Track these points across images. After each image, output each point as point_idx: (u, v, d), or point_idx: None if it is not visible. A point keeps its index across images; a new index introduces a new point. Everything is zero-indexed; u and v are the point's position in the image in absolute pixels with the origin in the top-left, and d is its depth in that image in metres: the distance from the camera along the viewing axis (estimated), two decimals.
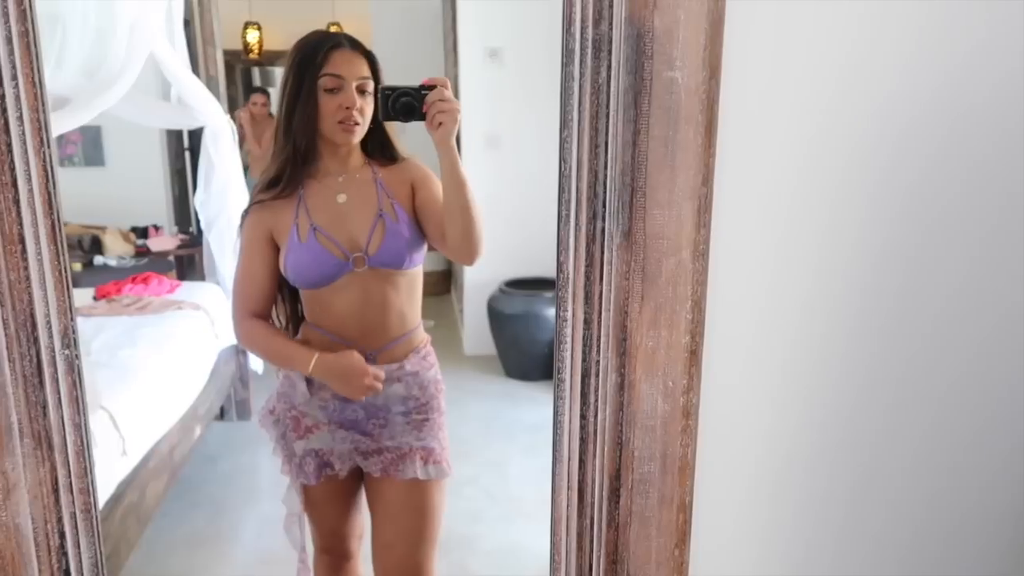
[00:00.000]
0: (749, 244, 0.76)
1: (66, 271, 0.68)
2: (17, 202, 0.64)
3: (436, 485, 1.47)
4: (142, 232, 3.87)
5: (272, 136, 1.44)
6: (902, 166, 0.76)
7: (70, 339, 0.69)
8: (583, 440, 0.77)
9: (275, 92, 5.70)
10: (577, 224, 0.72)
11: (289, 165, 1.38)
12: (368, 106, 1.38)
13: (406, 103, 1.30)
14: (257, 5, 5.67)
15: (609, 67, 0.68)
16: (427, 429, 1.45)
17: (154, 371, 2.37)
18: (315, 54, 1.36)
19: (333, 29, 5.64)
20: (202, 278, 3.48)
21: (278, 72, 6.51)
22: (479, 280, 4.10)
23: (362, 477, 1.52)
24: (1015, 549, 0.86)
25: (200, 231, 3.38)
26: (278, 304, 1.49)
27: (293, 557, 1.69)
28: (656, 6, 0.67)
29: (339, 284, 1.39)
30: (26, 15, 0.62)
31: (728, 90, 0.71)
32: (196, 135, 3.75)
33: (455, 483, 2.83)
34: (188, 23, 3.07)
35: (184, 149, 5.10)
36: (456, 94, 4.28)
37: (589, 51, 0.68)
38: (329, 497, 1.52)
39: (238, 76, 6.06)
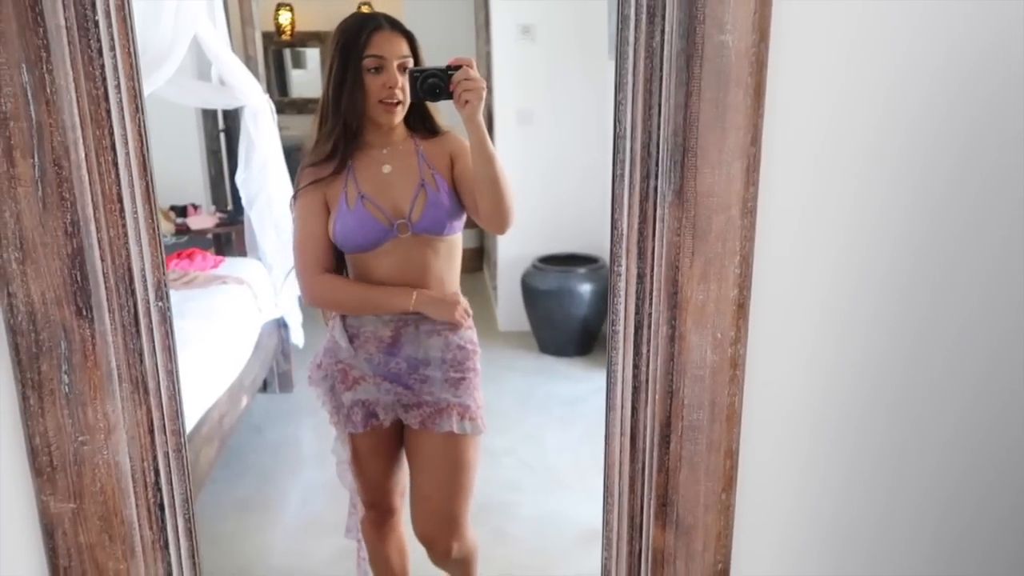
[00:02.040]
0: (795, 201, 0.79)
1: (157, 229, 0.74)
2: (116, 164, 0.70)
3: (471, 440, 1.57)
4: (181, 211, 3.97)
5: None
6: (953, 126, 0.79)
7: (162, 292, 0.75)
8: (635, 389, 0.81)
9: (302, 73, 5.74)
10: (631, 183, 0.76)
11: (340, 141, 1.46)
12: (406, 83, 1.44)
13: (433, 84, 1.38)
14: None
15: (663, 31, 0.71)
16: (463, 387, 1.55)
17: (203, 342, 2.45)
18: (358, 36, 1.43)
19: (365, 9, 5.68)
20: (241, 254, 3.57)
21: (310, 53, 6.56)
22: (512, 256, 4.14)
23: (403, 431, 1.61)
24: None
25: (237, 209, 3.46)
26: (330, 265, 1.56)
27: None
28: None
29: (384, 249, 1.48)
30: None
31: (777, 53, 0.74)
32: (231, 116, 3.81)
33: (494, 453, 2.91)
34: (225, 4, 3.13)
35: (219, 130, 5.20)
36: (488, 71, 4.30)
37: (644, 16, 0.71)
38: (374, 446, 1.61)
39: (270, 58, 6.12)
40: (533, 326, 4.06)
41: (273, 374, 3.37)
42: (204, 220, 3.90)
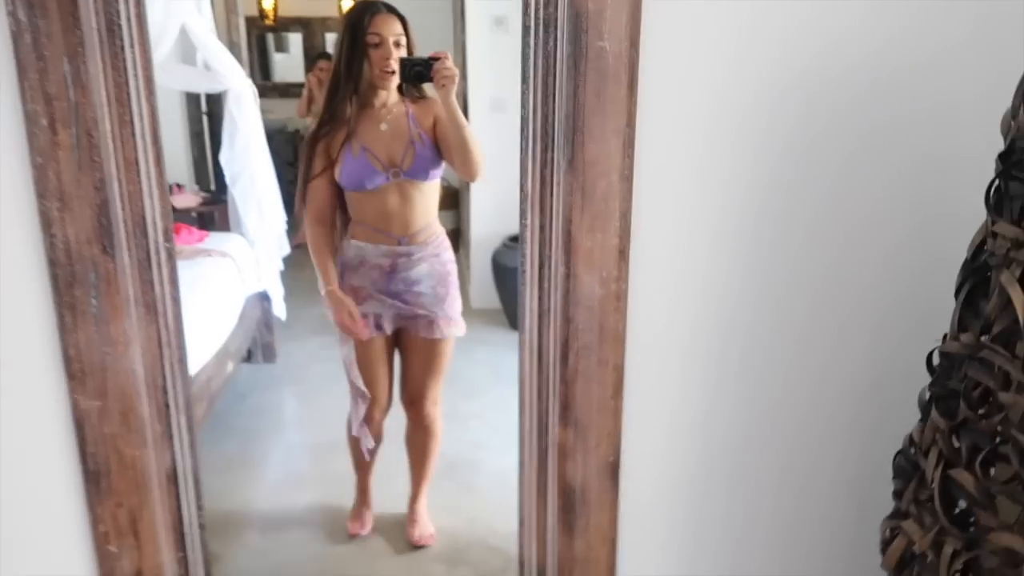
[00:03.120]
0: (663, 167, 1.02)
1: (165, 186, 0.95)
2: (134, 135, 0.91)
3: (451, 340, 2.11)
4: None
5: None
6: (782, 107, 1.02)
7: (169, 236, 0.97)
8: (540, 316, 1.04)
9: (284, 57, 5.86)
10: (534, 154, 0.98)
11: (346, 103, 1.87)
12: (399, 57, 1.83)
13: (418, 71, 1.76)
14: None
15: (555, 39, 0.93)
16: (448, 301, 2.04)
17: (189, 310, 2.64)
18: (362, 18, 1.83)
19: None
20: (226, 229, 3.74)
21: (293, 38, 6.67)
22: (484, 235, 4.34)
23: (399, 336, 2.10)
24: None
25: (220, 189, 3.63)
26: (335, 209, 2.00)
27: (317, 477, 2.43)
28: None
29: (380, 188, 1.89)
30: (140, 1, 0.88)
31: (645, 54, 0.96)
32: (213, 99, 3.96)
33: (463, 417, 3.14)
34: None
35: (202, 113, 5.36)
36: (463, 60, 4.47)
37: (540, 27, 0.93)
38: (376, 349, 2.08)
39: (253, 42, 6.24)
40: (503, 303, 4.26)
41: (257, 344, 3.57)
42: (188, 199, 4.06)
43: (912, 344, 1.00)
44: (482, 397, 3.37)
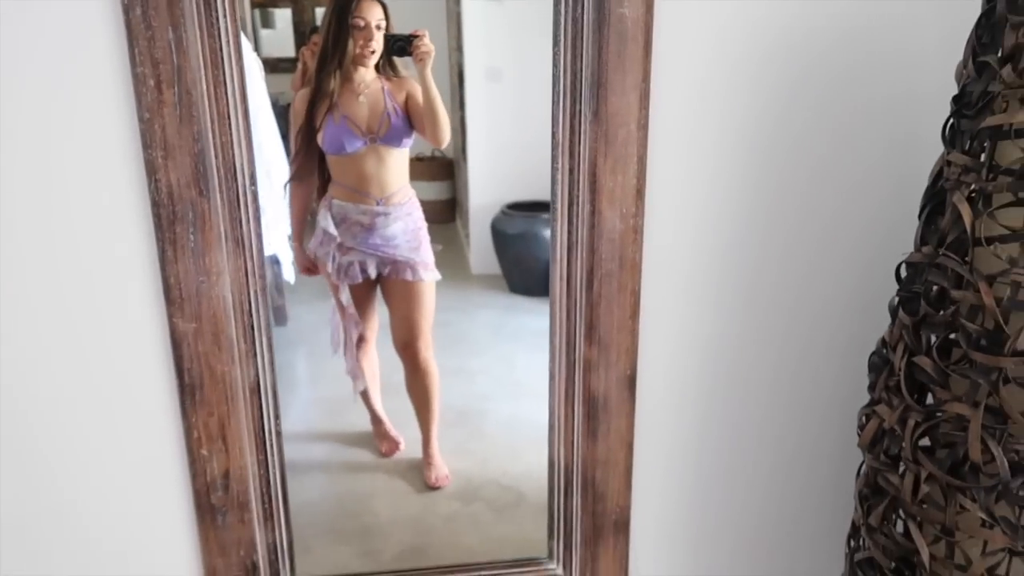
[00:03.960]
0: (675, 118, 1.19)
1: (251, 137, 1.11)
2: (226, 94, 1.07)
3: (429, 284, 2.31)
4: None
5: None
6: (779, 61, 1.19)
7: (254, 179, 1.13)
8: (569, 247, 1.21)
9: (270, 33, 5.94)
10: (564, 107, 1.15)
11: (331, 77, 2.08)
12: (381, 40, 2.06)
13: (400, 46, 2.02)
14: None
15: (583, 6, 1.09)
16: (422, 249, 2.27)
17: None
18: (348, 3, 2.04)
19: None
20: None
21: (280, 13, 6.76)
22: (482, 204, 4.49)
23: (383, 285, 2.32)
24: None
25: None
26: (316, 170, 2.21)
27: (330, 431, 2.49)
28: None
29: (360, 154, 2.12)
30: None
31: (659, 19, 1.12)
32: None
33: (470, 372, 3.31)
34: None
35: None
36: (458, 31, 4.57)
37: None
38: (363, 291, 2.33)
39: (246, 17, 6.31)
40: (503, 268, 4.42)
41: (268, 308, 3.73)
42: None
43: (891, 265, 1.18)
44: (486, 355, 3.55)
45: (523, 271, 4.55)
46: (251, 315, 1.17)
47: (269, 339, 1.21)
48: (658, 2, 1.11)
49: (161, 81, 1.04)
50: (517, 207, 4.59)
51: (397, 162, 2.25)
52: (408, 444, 2.76)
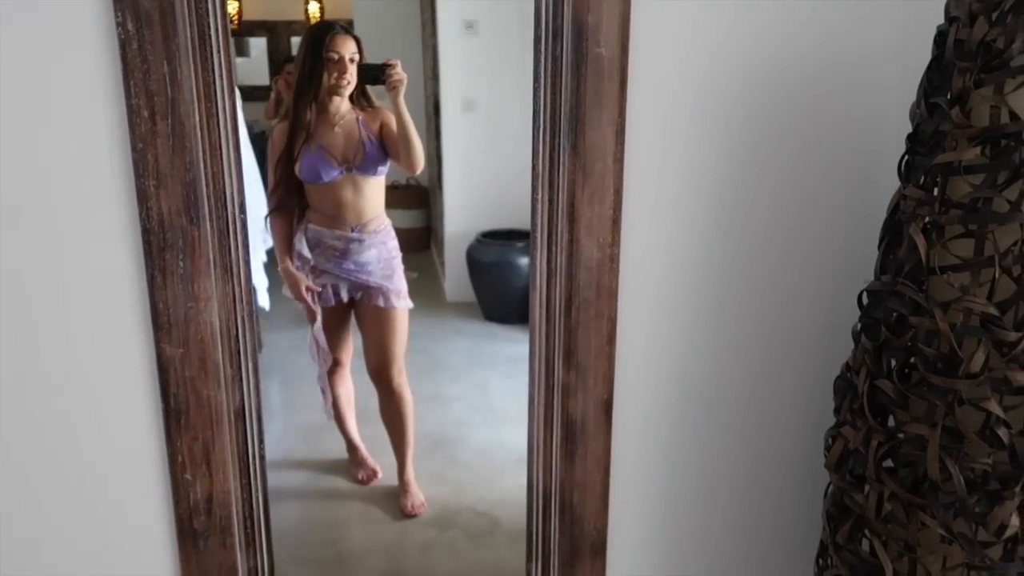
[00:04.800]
0: (650, 152, 1.25)
1: (241, 167, 1.14)
2: (218, 125, 1.10)
3: (402, 311, 2.45)
4: None
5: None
6: (746, 99, 1.25)
7: (243, 208, 1.16)
8: (548, 275, 1.25)
9: (245, 61, 5.94)
10: (543, 140, 1.20)
11: (307, 109, 2.23)
12: (354, 72, 2.22)
13: (373, 75, 2.16)
14: None
15: (562, 46, 1.15)
16: (395, 277, 2.41)
17: None
18: (323, 37, 2.19)
19: (312, 0, 5.98)
20: None
21: (255, 42, 6.77)
22: (458, 232, 4.54)
23: (354, 306, 2.46)
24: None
25: None
26: (293, 196, 2.36)
27: (305, 458, 2.80)
28: (589, 9, 1.14)
29: (334, 182, 2.27)
30: (226, 15, 1.07)
31: (634, 58, 1.19)
32: None
33: (446, 399, 3.34)
34: None
35: None
36: (434, 62, 4.64)
37: (550, 36, 1.15)
38: (337, 315, 2.48)
39: None
40: (478, 296, 4.46)
41: None
42: None
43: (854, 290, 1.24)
44: (462, 381, 3.58)
45: (498, 299, 4.60)
46: (238, 340, 1.20)
47: (255, 364, 1.24)
48: (633, 42, 1.18)
49: (155, 113, 1.07)
50: (492, 235, 4.63)
51: (372, 190, 2.36)
52: (384, 472, 2.78)
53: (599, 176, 1.21)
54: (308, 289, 2.36)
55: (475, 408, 3.36)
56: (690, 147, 1.26)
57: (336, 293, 2.41)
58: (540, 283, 1.27)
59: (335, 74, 2.21)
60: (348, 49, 2.21)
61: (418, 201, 5.48)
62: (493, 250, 4.32)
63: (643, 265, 1.30)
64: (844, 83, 1.27)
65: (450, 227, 4.60)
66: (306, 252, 2.36)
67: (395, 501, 2.66)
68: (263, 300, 3.70)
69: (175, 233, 1.12)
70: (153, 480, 1.24)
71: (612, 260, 1.25)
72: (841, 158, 1.30)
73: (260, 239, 3.68)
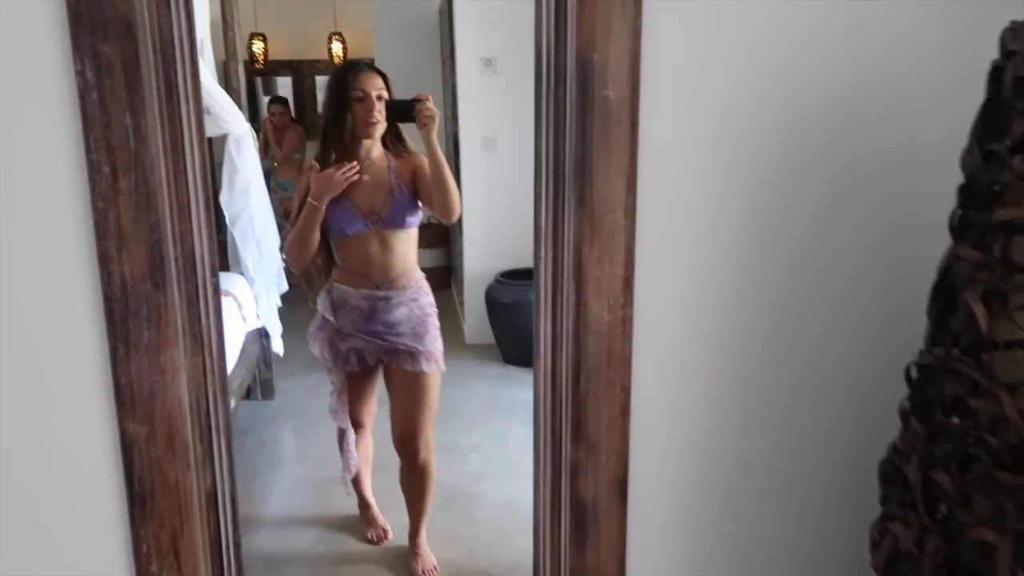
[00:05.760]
0: (665, 204, 1.13)
1: (212, 226, 1.04)
2: (187, 180, 1.00)
3: (434, 376, 2.18)
4: None
5: (292, 139, 2.06)
6: (772, 144, 1.13)
7: (215, 272, 1.06)
8: (553, 341, 1.13)
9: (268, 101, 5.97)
10: (547, 193, 1.09)
11: (335, 153, 2.02)
12: (382, 109, 1.99)
13: (402, 111, 1.94)
14: (263, 17, 5.98)
15: (565, 89, 1.04)
16: (427, 338, 2.15)
17: None
18: (346, 77, 2.00)
19: (335, 39, 5.99)
20: (224, 268, 3.81)
21: (282, 81, 6.82)
22: (477, 272, 4.44)
23: (382, 369, 2.23)
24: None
25: (219, 228, 3.69)
26: (319, 253, 2.11)
27: (317, 513, 2.60)
28: (595, 47, 1.03)
29: (361, 236, 2.05)
30: (195, 61, 0.98)
31: (647, 100, 1.07)
32: (212, 140, 4.02)
33: (461, 450, 3.20)
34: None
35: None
36: (454, 100, 4.60)
37: (552, 78, 1.04)
38: (362, 380, 2.24)
39: (243, 85, 6.35)
40: (497, 337, 4.34)
41: (256, 382, 3.62)
42: None
43: (895, 360, 1.10)
44: (479, 430, 3.44)
45: (517, 340, 4.46)
46: (209, 416, 1.08)
47: (228, 442, 1.12)
48: (645, 83, 1.06)
49: (117, 168, 0.98)
50: (511, 275, 4.52)
51: (402, 244, 2.11)
52: (395, 530, 2.63)
53: (609, 231, 1.09)
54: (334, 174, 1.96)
55: (492, 460, 3.21)
56: (709, 197, 1.14)
57: (362, 358, 2.18)
58: (544, 351, 1.14)
59: (361, 113, 1.99)
60: (374, 86, 2.00)
61: (439, 240, 5.41)
62: (512, 290, 4.23)
63: (659, 329, 1.17)
64: (879, 123, 1.14)
65: (470, 267, 4.51)
66: (330, 315, 2.13)
67: (406, 563, 2.51)
68: (277, 346, 3.63)
69: (139, 299, 1.02)
70: (117, 574, 1.12)
71: (624, 323, 1.12)
72: (879, 210, 1.17)
73: (274, 283, 3.62)
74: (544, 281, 1.12)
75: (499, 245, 4.26)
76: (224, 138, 3.38)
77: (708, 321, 1.18)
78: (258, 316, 3.47)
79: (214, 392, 1.08)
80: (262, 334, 3.56)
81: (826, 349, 1.21)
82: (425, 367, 2.14)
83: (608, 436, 1.16)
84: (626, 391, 1.15)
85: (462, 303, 4.66)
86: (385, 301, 2.09)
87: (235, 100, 3.50)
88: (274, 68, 6.40)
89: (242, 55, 3.68)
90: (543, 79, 1.06)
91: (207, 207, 1.03)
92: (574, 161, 1.06)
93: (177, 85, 0.97)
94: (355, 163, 2.00)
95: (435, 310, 2.19)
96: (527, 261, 4.86)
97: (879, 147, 1.15)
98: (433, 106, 1.90)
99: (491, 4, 4.16)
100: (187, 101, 0.99)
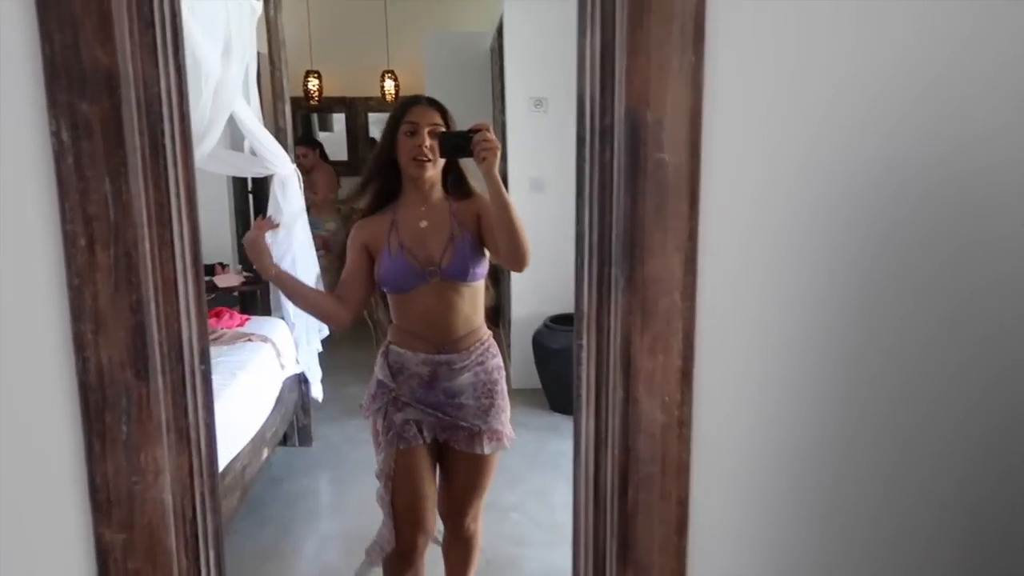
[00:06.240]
0: (730, 285, 0.95)
1: (204, 305, 0.90)
2: (173, 255, 0.87)
3: (496, 456, 1.93)
4: (209, 269, 4.14)
5: (323, 180, 1.88)
6: (856, 217, 0.94)
7: (205, 358, 0.92)
8: (597, 445, 0.95)
9: (329, 135, 5.96)
10: (590, 271, 0.92)
11: (380, 196, 1.82)
12: (435, 145, 1.74)
13: (457, 144, 1.66)
14: (317, 55, 6.02)
15: (612, 151, 0.88)
16: (493, 413, 1.86)
17: (228, 397, 2.61)
18: (401, 109, 1.78)
19: (388, 77, 5.98)
20: (265, 312, 3.75)
21: (336, 118, 6.85)
22: (524, 315, 4.30)
23: (438, 446, 1.92)
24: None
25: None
26: (376, 308, 1.93)
27: (354, 566, 2.08)
28: (649, 103, 0.87)
29: (418, 291, 1.78)
30: (185, 117, 0.85)
31: (709, 165, 0.90)
32: (259, 179, 3.97)
33: (502, 508, 3.01)
34: (259, 76, 3.37)
35: (248, 192, 5.43)
36: (503, 140, 4.50)
37: (596, 138, 0.88)
38: (417, 460, 1.87)
39: (299, 121, 6.40)
40: (544, 384, 4.18)
41: (293, 428, 3.52)
42: (231, 279, 4.09)
43: (1009, 477, 0.89)
44: (521, 485, 3.25)
45: (565, 387, 4.28)
46: (195, 522, 0.94)
47: (218, 553, 0.97)
48: (706, 145, 0.90)
49: (95, 241, 0.85)
50: (560, 320, 4.36)
51: (465, 300, 1.82)
52: None
53: (663, 317, 0.92)
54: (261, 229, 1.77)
55: (534, 521, 3.02)
56: (781, 276, 0.96)
57: (418, 432, 1.86)
58: (586, 455, 0.97)
59: (409, 148, 1.74)
60: (428, 119, 1.75)
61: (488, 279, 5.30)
62: (560, 336, 4.09)
63: (722, 431, 0.98)
64: (991, 189, 0.94)
65: (517, 310, 4.38)
66: (389, 381, 1.84)
67: None
68: (317, 392, 3.52)
69: (118, 389, 0.88)
70: None
71: (681, 425, 0.94)
72: (989, 290, 0.97)
73: (315, 327, 3.53)
74: (587, 372, 0.95)
75: (547, 288, 4.12)
76: (270, 179, 3.33)
77: (780, 423, 0.99)
78: (298, 361, 3.38)
79: (202, 495, 0.94)
80: (301, 380, 3.46)
81: (922, 460, 1.00)
82: (488, 448, 1.88)
83: (661, 558, 0.97)
84: (683, 504, 0.96)
85: (509, 345, 4.52)
86: (447, 367, 1.82)
87: (282, 140, 3.45)
88: (328, 105, 6.43)
89: (289, 93, 3.64)
90: (587, 138, 0.90)
91: (196, 285, 0.90)
92: (622, 235, 0.90)
93: (164, 146, 0.85)
94: (269, 217, 1.85)
95: (503, 374, 1.92)
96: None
97: (992, 213, 0.96)
98: (493, 137, 1.63)
99: (541, 43, 4.08)
100: (175, 164, 0.86)
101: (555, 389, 4.16)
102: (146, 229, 0.86)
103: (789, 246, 0.94)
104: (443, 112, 1.79)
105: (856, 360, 0.97)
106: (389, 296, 1.85)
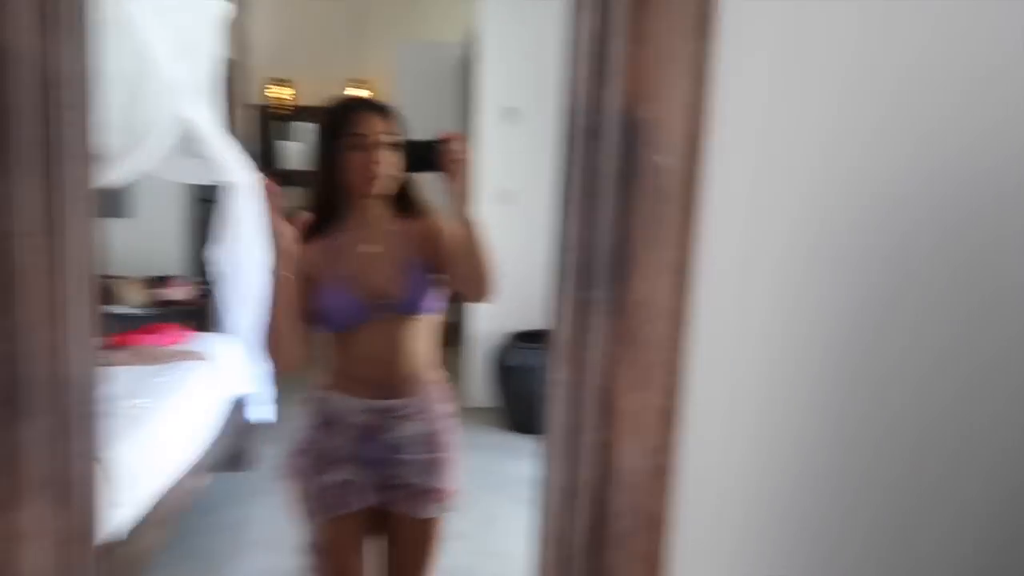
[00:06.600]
0: (728, 311, 0.82)
1: (99, 334, 0.74)
2: (64, 273, 0.71)
3: (443, 519, 1.65)
4: (160, 281, 3.92)
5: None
6: (872, 241, 0.83)
7: (97, 398, 0.76)
8: (563, 495, 0.81)
9: (297, 145, 5.81)
10: (566, 293, 0.79)
11: (326, 218, 1.51)
12: (389, 159, 1.46)
13: (420, 156, 1.41)
14: (288, 63, 5.83)
15: (603, 151, 0.75)
16: (441, 467, 1.60)
17: (157, 421, 2.39)
18: (340, 117, 1.49)
19: (357, 86, 5.80)
20: (207, 328, 3.45)
21: (309, 127, 6.65)
22: (486, 331, 4.17)
23: (373, 515, 1.62)
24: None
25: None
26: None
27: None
28: (646, 97, 0.74)
29: (365, 328, 1.51)
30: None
31: (710, 174, 0.78)
32: (217, 186, 3.77)
33: (448, 537, 2.82)
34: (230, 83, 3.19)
35: (204, 200, 5.18)
36: (473, 150, 4.36)
37: (584, 136, 0.75)
38: (350, 532, 1.59)
39: (269, 131, 6.15)
40: (505, 402, 4.03)
41: (231, 452, 3.22)
42: (181, 291, 3.84)
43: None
44: (469, 512, 3.02)
45: (527, 407, 4.16)
46: None
47: None
48: (709, 150, 0.77)
49: None
50: (525, 337, 4.22)
51: (420, 336, 1.57)
52: None
53: (652, 348, 0.78)
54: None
55: (482, 551, 2.84)
56: (788, 303, 0.83)
57: (351, 495, 1.57)
58: (551, 508, 0.83)
59: (360, 165, 1.46)
60: (376, 128, 1.46)
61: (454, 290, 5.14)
62: (523, 354, 3.97)
63: (712, 483, 0.85)
64: (1007, 222, 0.84)
65: (477, 325, 4.25)
66: (320, 434, 1.57)
67: None
68: (268, 413, 3.29)
69: None
70: None
71: (664, 474, 0.81)
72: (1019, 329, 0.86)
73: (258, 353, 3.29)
74: (558, 411, 0.81)
75: (512, 304, 3.97)
76: (226, 186, 3.12)
77: (780, 473, 0.86)
78: (244, 381, 3.15)
79: (83, 564, 0.77)
80: (243, 401, 3.21)
81: (941, 519, 0.89)
82: (435, 511, 1.61)
83: None
84: (659, 567, 0.83)
85: (467, 362, 4.37)
86: (390, 415, 1.55)
87: (248, 147, 3.26)
88: (299, 114, 6.21)
89: (257, 100, 3.46)
90: (572, 137, 0.77)
91: (92, 310, 0.73)
92: (609, 252, 0.76)
93: (63, 139, 0.69)
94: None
95: (453, 422, 1.65)
96: (539, 323, 4.59)
97: (1007, 249, 0.85)
98: (464, 146, 1.40)
99: (517, 49, 3.98)
100: (80, 162, 0.70)
101: (515, 408, 4.04)
102: (34, 239, 0.70)
103: (797, 269, 0.82)
104: (393, 118, 1.51)
105: (869, 400, 0.85)
106: (326, 334, 1.56)
